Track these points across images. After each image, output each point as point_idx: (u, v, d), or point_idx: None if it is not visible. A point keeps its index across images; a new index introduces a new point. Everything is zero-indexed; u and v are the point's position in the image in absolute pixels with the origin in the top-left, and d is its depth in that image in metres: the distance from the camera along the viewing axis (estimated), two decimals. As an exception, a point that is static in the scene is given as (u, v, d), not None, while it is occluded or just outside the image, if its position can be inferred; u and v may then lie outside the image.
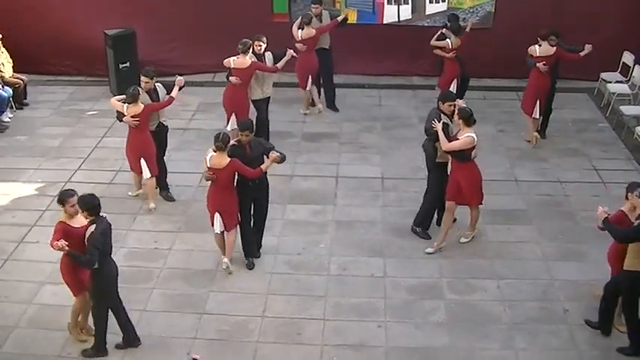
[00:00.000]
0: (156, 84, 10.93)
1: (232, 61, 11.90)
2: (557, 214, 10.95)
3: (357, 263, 9.84)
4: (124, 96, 10.64)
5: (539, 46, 12.21)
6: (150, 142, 10.84)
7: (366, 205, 11.20)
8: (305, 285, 9.45)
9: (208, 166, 9.19)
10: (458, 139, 9.43)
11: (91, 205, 7.77)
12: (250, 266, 9.74)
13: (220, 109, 13.77)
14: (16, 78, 14.36)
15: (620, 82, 14.34)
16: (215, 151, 9.14)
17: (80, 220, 7.88)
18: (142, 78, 10.81)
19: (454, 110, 9.60)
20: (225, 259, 9.58)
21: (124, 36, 14.83)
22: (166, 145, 11.46)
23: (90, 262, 7.71)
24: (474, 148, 9.48)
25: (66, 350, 8.33)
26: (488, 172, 11.97)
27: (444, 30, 13.42)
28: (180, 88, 11.02)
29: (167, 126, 11.30)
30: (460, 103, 9.80)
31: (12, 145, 13.05)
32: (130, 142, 10.88)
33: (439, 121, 9.55)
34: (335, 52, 14.59)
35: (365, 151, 12.81)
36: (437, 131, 9.48)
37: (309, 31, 13.38)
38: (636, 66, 14.07)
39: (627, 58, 14.49)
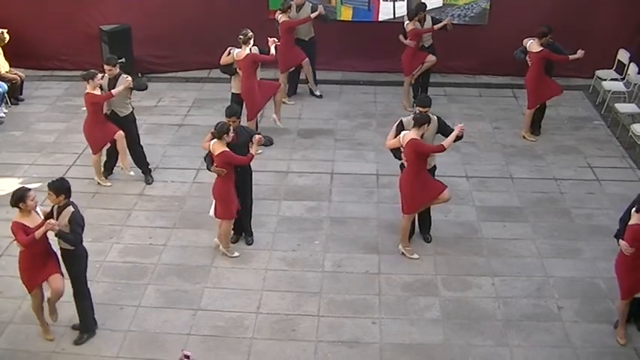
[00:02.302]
0: (122, 75, 11.12)
1: (235, 54, 11.90)
2: (552, 211, 10.96)
3: (352, 260, 9.84)
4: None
5: (532, 41, 12.28)
6: (89, 127, 11.20)
7: (361, 201, 11.20)
8: (300, 281, 9.45)
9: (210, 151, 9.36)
10: None
11: (65, 188, 8.01)
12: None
13: (216, 104, 13.83)
14: (14, 74, 14.36)
15: (616, 79, 14.34)
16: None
17: (33, 220, 7.95)
18: (105, 66, 11.06)
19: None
20: (215, 240, 9.92)
21: (120, 32, 14.84)
22: (137, 132, 11.59)
23: (78, 241, 7.99)
24: (405, 151, 9.34)
25: (60, 346, 8.33)
26: (484, 169, 12.07)
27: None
28: (132, 89, 11.15)
29: (128, 114, 11.37)
30: (459, 127, 9.42)
31: (7, 140, 13.03)
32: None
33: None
34: (331, 49, 14.60)
35: (360, 148, 12.81)
36: None
37: (284, 18, 13.70)
38: (631, 64, 14.06)
39: (622, 55, 14.48)
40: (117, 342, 8.39)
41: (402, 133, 9.32)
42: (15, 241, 7.99)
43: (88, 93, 10.91)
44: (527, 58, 12.45)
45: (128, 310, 8.89)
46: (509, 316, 8.84)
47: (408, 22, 13.51)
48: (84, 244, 8.15)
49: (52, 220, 7.80)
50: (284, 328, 8.64)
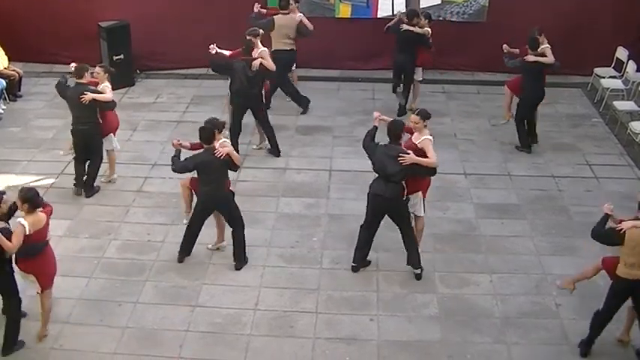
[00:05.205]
0: None
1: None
2: (550, 208, 10.98)
3: (350, 257, 9.82)
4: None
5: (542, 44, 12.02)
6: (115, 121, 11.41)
7: (360, 198, 11.13)
8: (298, 278, 9.46)
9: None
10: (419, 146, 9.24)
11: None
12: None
13: (214, 101, 13.84)
14: (12, 70, 14.35)
15: (614, 77, 14.36)
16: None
17: None
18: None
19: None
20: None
21: (118, 28, 14.82)
22: None
23: None
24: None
25: (58, 342, 8.33)
26: (482, 167, 12.07)
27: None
28: None
29: None
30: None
31: (5, 136, 13.02)
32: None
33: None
34: (330, 45, 14.60)
35: (358, 145, 12.58)
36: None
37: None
38: (630, 61, 14.08)
39: (621, 53, 14.50)
40: (115, 338, 8.39)
41: (420, 137, 9.20)
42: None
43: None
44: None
45: (126, 306, 8.90)
46: (507, 313, 8.85)
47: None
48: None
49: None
50: (282, 325, 8.65)
